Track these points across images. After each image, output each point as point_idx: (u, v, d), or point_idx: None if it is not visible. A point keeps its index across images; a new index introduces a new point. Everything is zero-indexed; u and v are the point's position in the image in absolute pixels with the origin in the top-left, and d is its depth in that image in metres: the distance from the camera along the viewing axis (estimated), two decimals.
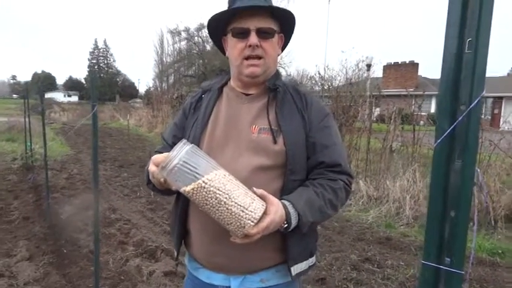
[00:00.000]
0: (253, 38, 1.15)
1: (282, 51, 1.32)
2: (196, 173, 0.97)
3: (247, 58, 1.18)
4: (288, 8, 1.25)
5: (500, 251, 3.87)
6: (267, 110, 1.20)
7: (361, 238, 4.36)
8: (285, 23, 1.24)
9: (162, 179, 1.04)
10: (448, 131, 0.52)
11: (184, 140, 1.02)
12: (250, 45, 1.15)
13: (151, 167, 1.09)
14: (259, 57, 1.18)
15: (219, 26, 1.24)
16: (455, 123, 0.52)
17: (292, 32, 1.30)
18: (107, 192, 6.11)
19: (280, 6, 1.20)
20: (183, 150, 0.97)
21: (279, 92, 1.21)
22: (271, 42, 1.20)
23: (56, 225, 4.36)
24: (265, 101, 1.22)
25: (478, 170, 0.51)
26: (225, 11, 1.20)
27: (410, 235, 4.45)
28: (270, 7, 1.18)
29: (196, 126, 1.24)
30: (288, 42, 1.32)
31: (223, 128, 1.21)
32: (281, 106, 1.20)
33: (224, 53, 1.30)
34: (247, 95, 1.25)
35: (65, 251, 3.70)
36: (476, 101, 0.50)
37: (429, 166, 5.94)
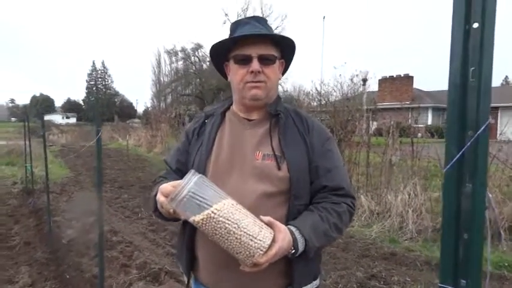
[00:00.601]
0: (255, 65, 1.18)
1: (282, 75, 1.35)
2: (205, 203, 0.99)
3: (249, 82, 1.21)
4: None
5: (506, 264, 3.85)
6: (270, 136, 1.22)
7: (366, 254, 4.33)
8: (286, 49, 1.28)
9: (171, 210, 1.06)
10: (457, 156, 0.54)
11: (192, 171, 1.03)
12: (252, 71, 1.18)
13: (160, 197, 1.10)
14: (260, 82, 1.21)
15: (221, 52, 1.28)
16: (463, 149, 0.54)
17: (292, 58, 1.33)
18: (107, 214, 6.06)
19: (282, 34, 1.24)
20: (191, 181, 0.99)
21: (281, 118, 1.23)
22: (273, 68, 1.23)
23: (58, 250, 4.32)
24: (268, 126, 1.24)
25: (490, 195, 0.53)
26: (227, 39, 1.24)
27: (415, 250, 4.42)
28: (271, 35, 1.22)
29: (201, 152, 1.26)
30: (288, 67, 1.35)
31: (228, 154, 1.23)
32: (284, 132, 1.22)
33: (226, 78, 1.33)
34: (249, 120, 1.28)
35: (67, 276, 3.65)
36: (483, 128, 0.52)
37: (430, 179, 5.97)
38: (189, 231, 1.26)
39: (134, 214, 6.21)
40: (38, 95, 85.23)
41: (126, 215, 6.15)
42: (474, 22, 0.54)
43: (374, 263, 4.04)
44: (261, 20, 1.26)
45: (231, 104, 1.35)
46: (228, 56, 1.26)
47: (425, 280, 3.56)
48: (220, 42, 1.25)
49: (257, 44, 1.19)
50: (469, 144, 0.54)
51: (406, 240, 4.75)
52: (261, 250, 0.99)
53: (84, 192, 7.95)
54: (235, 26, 1.26)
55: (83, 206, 6.55)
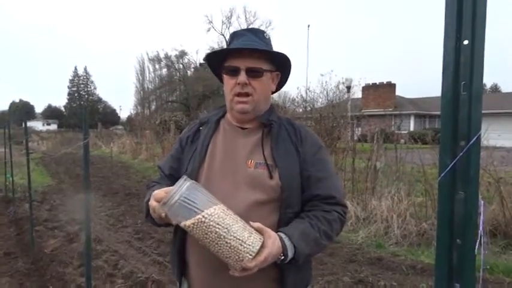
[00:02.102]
0: (242, 77, 1.21)
1: (281, 87, 1.38)
2: (197, 208, 1.01)
3: (237, 95, 1.24)
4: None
5: (488, 267, 3.94)
6: (262, 145, 1.24)
7: (353, 259, 4.37)
8: (280, 63, 1.30)
9: (163, 214, 1.07)
10: (451, 165, 0.57)
11: (185, 176, 1.05)
12: (239, 83, 1.22)
13: (152, 202, 1.11)
14: (247, 94, 1.23)
15: (218, 60, 1.31)
16: (456, 159, 0.57)
17: (289, 71, 1.35)
18: (91, 223, 5.93)
19: (277, 51, 1.26)
20: (184, 186, 1.02)
21: (273, 127, 1.26)
22: (261, 81, 1.25)
23: (40, 260, 4.21)
24: (260, 135, 1.26)
25: (482, 202, 0.56)
26: (218, 50, 1.29)
27: (401, 254, 4.48)
28: (258, 50, 1.23)
29: (195, 158, 1.27)
30: (287, 79, 1.37)
31: (221, 162, 1.25)
32: (276, 141, 1.25)
33: None
34: (243, 128, 1.30)
35: (50, 287, 3.56)
36: (474, 139, 0.55)
37: (413, 184, 6.09)
38: (180, 237, 1.27)
39: (119, 222, 6.10)
40: (17, 101, 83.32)
41: (111, 223, 6.04)
42: (464, 39, 0.58)
43: (361, 268, 4.08)
44: (258, 33, 1.29)
45: (226, 112, 1.37)
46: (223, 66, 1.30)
47: (411, 284, 3.61)
48: (214, 52, 1.30)
49: (246, 56, 1.22)
50: (461, 154, 0.57)
51: (391, 245, 4.82)
52: (250, 255, 1.02)
53: (67, 200, 7.77)
54: (232, 37, 1.30)
55: (67, 214, 6.41)
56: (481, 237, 0.57)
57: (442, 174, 0.58)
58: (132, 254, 4.56)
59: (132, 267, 3.99)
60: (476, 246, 0.58)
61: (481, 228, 0.55)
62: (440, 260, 0.60)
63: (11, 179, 6.98)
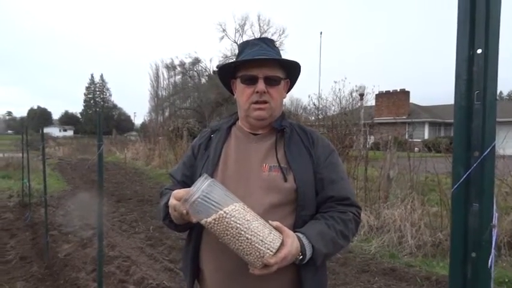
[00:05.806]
0: (260, 85, 1.23)
1: (287, 93, 1.39)
2: (218, 204, 1.03)
3: (255, 102, 1.25)
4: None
5: (506, 280, 3.83)
6: (275, 148, 1.26)
7: (366, 270, 4.30)
8: (291, 70, 1.33)
9: (184, 211, 1.08)
10: (464, 177, 0.56)
11: (205, 175, 1.07)
12: (257, 92, 1.23)
13: (173, 201, 1.13)
14: (265, 102, 1.25)
15: (228, 69, 1.33)
16: (469, 170, 0.56)
17: (297, 77, 1.38)
18: (104, 228, 5.99)
19: (288, 59, 1.28)
20: (204, 183, 1.04)
21: (286, 132, 1.28)
22: (278, 89, 1.28)
23: (54, 265, 4.27)
24: (273, 140, 1.28)
25: (496, 213, 0.54)
26: (235, 61, 1.29)
27: (415, 265, 4.39)
28: (277, 60, 1.26)
29: (208, 165, 1.29)
30: (293, 85, 1.40)
31: (234, 167, 1.26)
32: (289, 145, 1.26)
33: (232, 93, 1.38)
34: (255, 134, 1.32)
35: None
36: (489, 149, 0.54)
37: (427, 193, 5.98)
38: (194, 243, 1.28)
39: (132, 228, 6.15)
40: (35, 107, 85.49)
41: (124, 229, 6.09)
42: (478, 48, 0.57)
43: (374, 279, 4.01)
44: (268, 42, 1.32)
45: (237, 119, 1.39)
46: (236, 74, 1.31)
47: None
48: (229, 63, 1.31)
49: (263, 65, 1.24)
50: (475, 165, 0.55)
51: (405, 255, 4.72)
52: (271, 251, 1.02)
53: (81, 206, 7.88)
54: (244, 46, 1.32)
55: (81, 219, 6.49)
56: (493, 249, 0.56)
57: (456, 186, 0.57)
58: (143, 260, 4.58)
59: (144, 273, 4.01)
60: (491, 259, 0.56)
61: (493, 241, 0.54)
62: (455, 273, 0.58)
63: (27, 184, 7.12)
